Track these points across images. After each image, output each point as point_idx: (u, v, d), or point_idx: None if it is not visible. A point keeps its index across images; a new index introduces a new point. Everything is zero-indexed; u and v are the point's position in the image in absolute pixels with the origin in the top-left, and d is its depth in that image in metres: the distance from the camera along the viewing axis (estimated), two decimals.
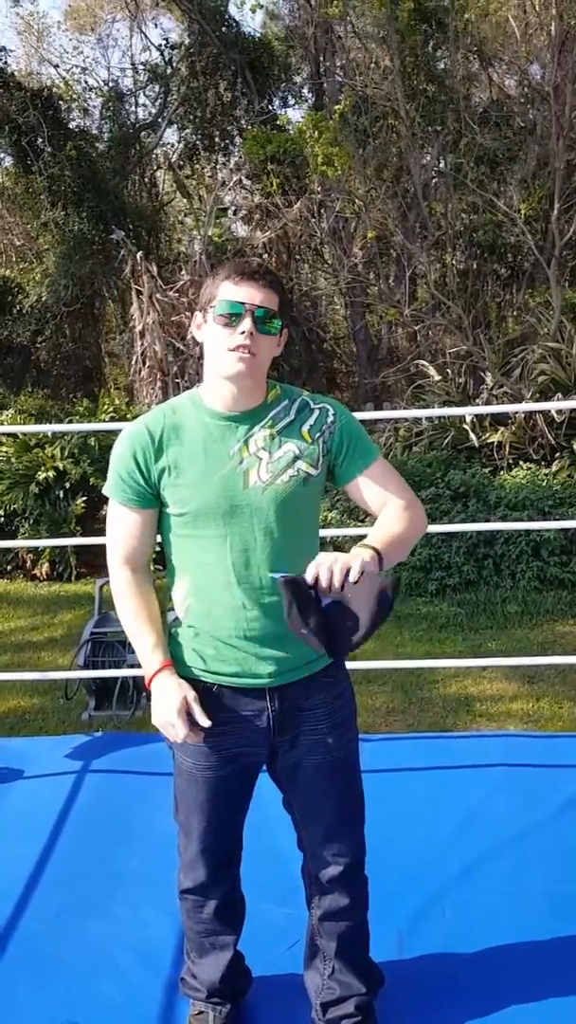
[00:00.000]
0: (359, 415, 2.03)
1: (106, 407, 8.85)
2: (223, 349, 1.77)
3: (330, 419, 1.87)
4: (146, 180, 13.97)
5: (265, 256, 10.37)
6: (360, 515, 6.54)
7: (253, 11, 11.15)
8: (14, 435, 7.92)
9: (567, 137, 8.53)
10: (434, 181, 10.00)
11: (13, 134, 11.70)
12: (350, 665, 2.05)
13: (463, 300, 9.19)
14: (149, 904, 2.58)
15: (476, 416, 7.30)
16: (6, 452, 7.88)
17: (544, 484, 6.53)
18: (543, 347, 7.56)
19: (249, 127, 11.67)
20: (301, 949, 2.16)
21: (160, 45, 13.24)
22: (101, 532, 2.15)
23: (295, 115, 12.00)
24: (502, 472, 6.94)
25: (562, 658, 4.34)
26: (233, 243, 10.61)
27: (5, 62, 12.03)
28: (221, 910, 2.05)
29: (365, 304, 11.32)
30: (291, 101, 12.78)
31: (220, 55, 11.95)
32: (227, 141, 12.63)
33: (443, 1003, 2.19)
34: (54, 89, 12.74)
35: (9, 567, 7.40)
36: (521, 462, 6.99)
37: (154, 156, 13.82)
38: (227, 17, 12.06)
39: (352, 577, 1.61)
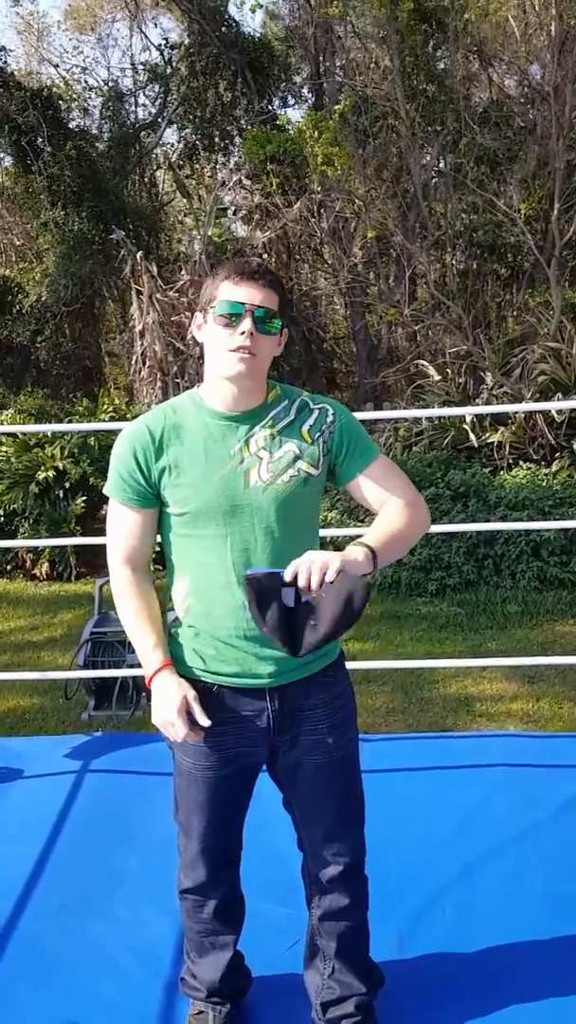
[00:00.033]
0: (359, 415, 2.03)
1: (106, 407, 8.86)
2: (223, 349, 1.77)
3: (329, 419, 1.87)
4: (146, 180, 13.98)
5: (265, 256, 10.37)
6: (360, 515, 6.54)
7: (253, 11, 11.16)
8: (14, 435, 7.92)
9: (567, 137, 8.53)
10: (434, 181, 10.00)
11: (13, 134, 11.70)
12: (350, 665, 2.05)
13: (463, 300, 9.19)
14: (149, 904, 2.58)
15: (476, 416, 7.29)
16: (6, 452, 7.88)
17: (544, 484, 6.53)
18: (543, 347, 7.56)
19: (249, 127, 11.67)
20: (301, 949, 2.16)
21: (160, 45, 13.26)
22: (101, 532, 2.15)
23: (295, 115, 12.02)
24: (502, 472, 6.94)
25: (562, 658, 4.34)
26: (233, 243, 10.61)
27: (5, 62, 12.05)
28: (221, 910, 2.05)
29: (365, 304, 11.32)
30: (291, 101, 12.79)
31: (220, 55, 11.95)
32: (227, 141, 12.64)
33: (443, 1003, 2.19)
34: (54, 89, 12.74)
35: (9, 567, 7.40)
36: (521, 462, 6.98)
37: (154, 156, 13.83)
38: (227, 17, 12.07)
39: (329, 577, 1.62)
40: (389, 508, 1.87)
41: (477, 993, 2.21)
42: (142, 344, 9.37)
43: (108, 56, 20.39)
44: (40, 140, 11.69)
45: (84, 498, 7.44)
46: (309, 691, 1.88)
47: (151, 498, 1.84)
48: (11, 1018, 2.21)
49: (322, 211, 10.76)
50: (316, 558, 1.64)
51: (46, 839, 2.93)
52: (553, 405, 4.27)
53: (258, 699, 1.85)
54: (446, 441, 7.28)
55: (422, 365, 8.62)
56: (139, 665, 1.91)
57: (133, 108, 13.83)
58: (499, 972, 2.28)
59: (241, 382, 1.79)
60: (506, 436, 7.06)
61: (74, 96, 13.16)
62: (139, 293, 9.37)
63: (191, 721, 1.79)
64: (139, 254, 9.49)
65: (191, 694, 1.80)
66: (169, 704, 1.79)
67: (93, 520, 7.42)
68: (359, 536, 1.80)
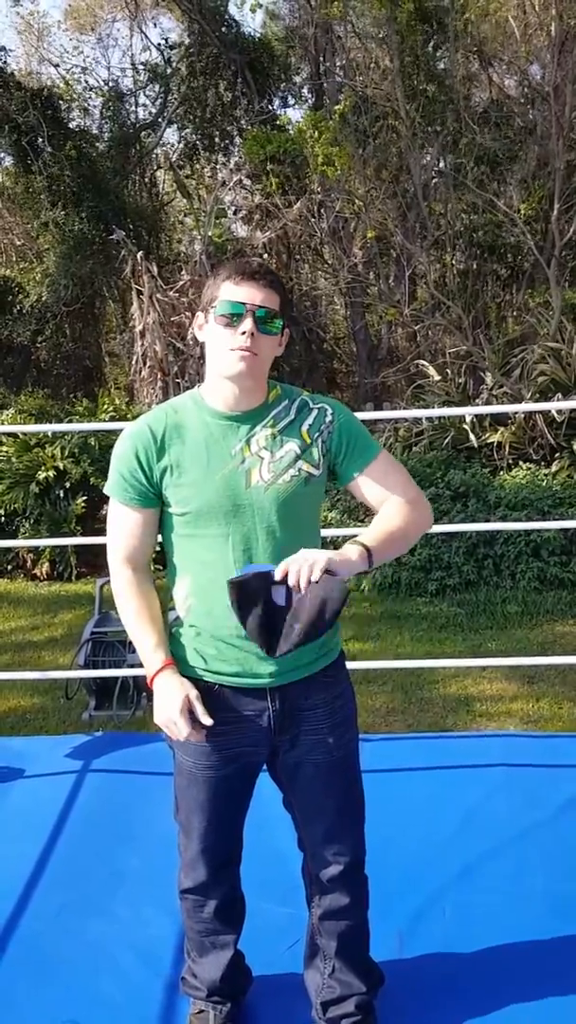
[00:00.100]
0: (359, 415, 2.03)
1: (106, 407, 8.85)
2: (224, 349, 1.77)
3: (328, 419, 1.87)
4: (146, 180, 13.97)
5: (265, 256, 10.37)
6: (360, 515, 6.54)
7: (253, 11, 11.16)
8: (14, 435, 7.93)
9: (567, 137, 8.53)
10: (434, 181, 10.00)
11: (13, 134, 11.69)
12: (350, 665, 2.05)
13: (463, 300, 9.20)
14: (150, 903, 2.58)
15: (476, 416, 7.30)
16: (6, 452, 7.88)
17: (544, 484, 6.53)
18: (543, 347, 7.57)
19: (249, 127, 11.67)
20: (301, 948, 2.16)
21: (160, 45, 13.26)
22: (101, 532, 2.16)
23: (295, 115, 12.01)
24: (502, 472, 6.94)
25: (562, 658, 4.35)
26: (233, 243, 10.61)
27: (5, 62, 12.03)
28: (221, 909, 2.06)
29: (365, 304, 11.31)
30: (291, 101, 12.78)
31: (220, 55, 11.95)
32: (227, 141, 12.63)
33: (443, 1002, 2.19)
34: (54, 89, 12.73)
35: (9, 567, 7.41)
36: (521, 462, 6.99)
37: (154, 156, 13.82)
38: (227, 17, 12.06)
39: (314, 576, 1.62)
40: (389, 506, 1.87)
41: (477, 993, 2.21)
42: (142, 344, 9.37)
43: (108, 56, 20.35)
44: (40, 140, 11.69)
45: (84, 498, 7.45)
46: (309, 691, 1.88)
47: (152, 498, 1.84)
48: (12, 1017, 2.21)
49: (322, 211, 10.76)
50: (306, 556, 1.64)
51: (47, 839, 2.94)
52: (553, 405, 4.28)
53: (259, 699, 1.85)
54: (446, 441, 7.29)
55: (422, 365, 8.62)
56: (140, 665, 1.91)
57: (133, 108, 13.83)
58: (499, 972, 2.28)
59: (242, 382, 1.79)
60: (506, 436, 7.06)
61: (74, 96, 13.15)
62: (139, 293, 9.38)
63: (193, 720, 1.79)
64: (139, 254, 9.49)
65: (193, 693, 1.80)
66: (171, 703, 1.79)
67: (93, 520, 7.42)
68: (357, 535, 1.80)
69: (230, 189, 10.98)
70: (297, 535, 1.81)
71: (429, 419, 7.51)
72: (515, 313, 10.13)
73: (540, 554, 6.07)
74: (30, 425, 8.28)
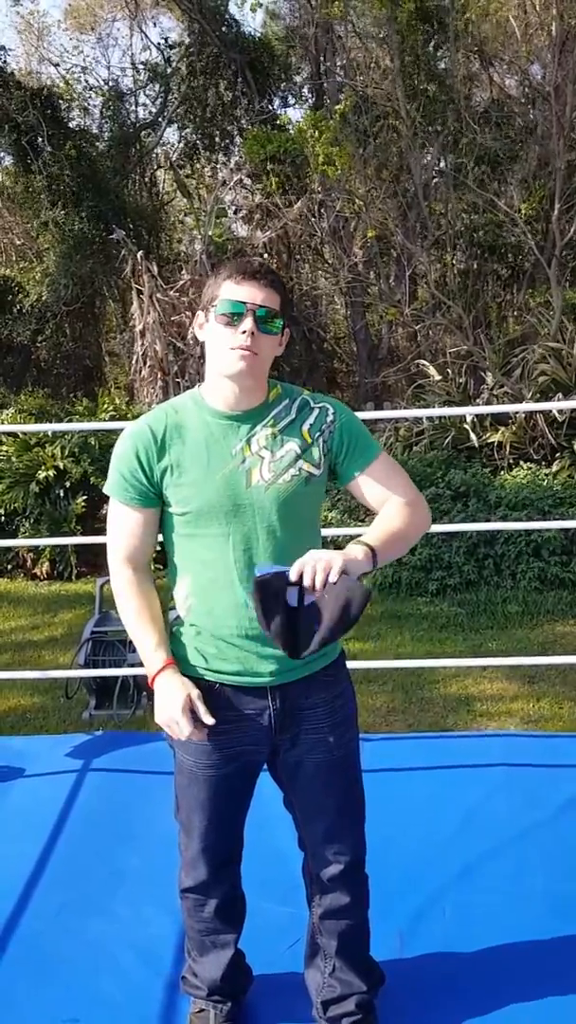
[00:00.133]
0: (360, 415, 2.03)
1: (106, 406, 8.86)
2: (225, 348, 1.77)
3: (329, 418, 1.87)
4: (146, 180, 13.97)
5: (265, 256, 10.37)
6: (361, 515, 6.54)
7: (253, 11, 11.17)
8: (14, 434, 7.93)
9: (568, 137, 8.53)
10: (434, 181, 10.00)
11: (13, 133, 11.69)
12: (350, 665, 2.05)
13: (463, 300, 9.20)
14: (150, 903, 2.58)
15: (476, 416, 7.30)
16: (6, 451, 7.88)
17: (544, 484, 6.53)
18: (543, 347, 7.57)
19: (249, 127, 11.67)
20: (302, 947, 2.16)
21: (160, 44, 13.26)
22: (101, 531, 2.16)
23: (295, 115, 12.02)
24: (502, 472, 6.94)
25: (562, 658, 4.35)
26: (233, 243, 10.61)
27: (5, 61, 12.03)
28: (222, 909, 2.06)
29: (365, 304, 11.32)
30: (291, 101, 12.78)
31: (220, 55, 11.95)
32: (227, 141, 12.63)
33: (443, 1002, 2.19)
34: (54, 88, 12.72)
35: (9, 566, 7.41)
36: (521, 462, 6.99)
37: (154, 156, 13.82)
38: (227, 17, 12.06)
39: (332, 577, 1.61)
40: (389, 507, 1.87)
41: (477, 993, 2.21)
42: (142, 344, 9.37)
43: (108, 56, 20.34)
44: (40, 140, 11.68)
45: (85, 497, 7.45)
46: (310, 690, 1.88)
47: (153, 498, 1.84)
48: (12, 1017, 2.21)
49: (322, 211, 10.76)
50: (320, 557, 1.64)
51: (47, 838, 2.93)
52: (553, 405, 4.29)
53: (260, 698, 1.85)
54: (446, 441, 7.29)
55: (422, 365, 8.63)
56: (140, 664, 1.91)
57: (133, 108, 13.83)
58: (499, 972, 2.28)
59: (242, 381, 1.79)
60: (506, 436, 7.06)
61: (74, 96, 13.15)
62: (139, 293, 9.38)
63: (195, 719, 1.79)
64: (139, 254, 9.49)
65: (195, 692, 1.80)
66: (173, 702, 1.79)
67: (94, 519, 7.42)
68: (359, 535, 1.80)
69: (230, 189, 10.98)
70: (297, 535, 1.81)
71: (430, 419, 7.51)
72: (516, 313, 10.14)
73: (541, 554, 6.08)
74: (30, 425, 8.29)
